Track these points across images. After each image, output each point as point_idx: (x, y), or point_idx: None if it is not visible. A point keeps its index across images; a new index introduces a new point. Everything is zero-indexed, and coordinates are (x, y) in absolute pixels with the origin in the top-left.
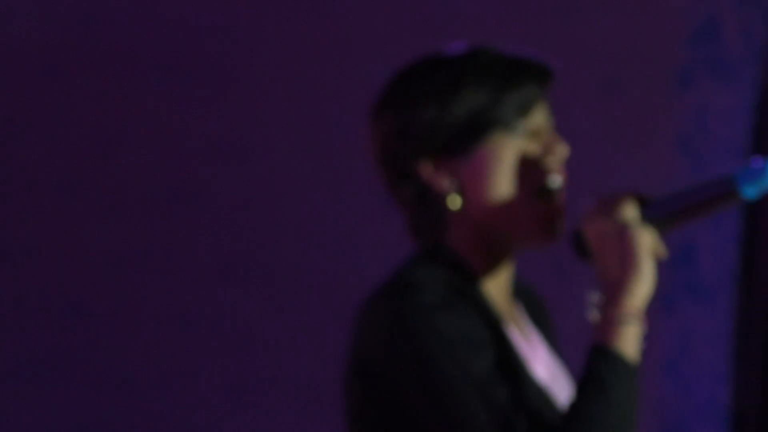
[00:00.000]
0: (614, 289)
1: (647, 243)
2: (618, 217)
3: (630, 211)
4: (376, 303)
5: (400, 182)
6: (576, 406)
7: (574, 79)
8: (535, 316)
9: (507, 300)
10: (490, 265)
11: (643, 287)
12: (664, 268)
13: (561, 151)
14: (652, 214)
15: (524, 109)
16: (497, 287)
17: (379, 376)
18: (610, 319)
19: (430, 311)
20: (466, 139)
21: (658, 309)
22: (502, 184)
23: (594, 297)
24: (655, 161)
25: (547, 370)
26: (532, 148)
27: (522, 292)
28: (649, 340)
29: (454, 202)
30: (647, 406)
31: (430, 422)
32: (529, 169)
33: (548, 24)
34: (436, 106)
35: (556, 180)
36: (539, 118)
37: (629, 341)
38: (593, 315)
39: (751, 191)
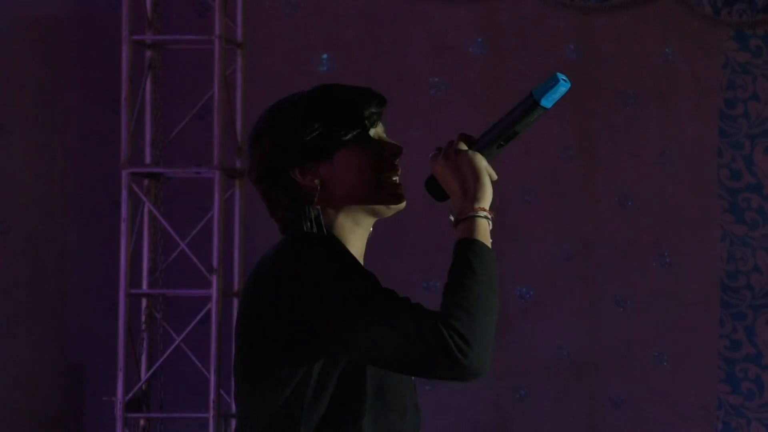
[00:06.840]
0: (464, 200)
1: (480, 163)
2: (454, 153)
3: (461, 146)
4: (279, 258)
5: (276, 189)
6: (452, 282)
7: None
8: None
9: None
10: (353, 237)
11: (486, 194)
12: None
13: (398, 150)
14: (479, 146)
15: (371, 123)
16: (358, 255)
17: (293, 309)
18: (466, 219)
19: (335, 254)
20: (326, 149)
21: None
22: (360, 173)
23: (452, 212)
24: None
25: None
26: (379, 148)
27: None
28: None
29: (320, 193)
30: None
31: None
32: (378, 162)
33: None
34: (300, 128)
35: (396, 170)
36: (380, 129)
37: (483, 231)
38: (452, 223)
39: (546, 101)
